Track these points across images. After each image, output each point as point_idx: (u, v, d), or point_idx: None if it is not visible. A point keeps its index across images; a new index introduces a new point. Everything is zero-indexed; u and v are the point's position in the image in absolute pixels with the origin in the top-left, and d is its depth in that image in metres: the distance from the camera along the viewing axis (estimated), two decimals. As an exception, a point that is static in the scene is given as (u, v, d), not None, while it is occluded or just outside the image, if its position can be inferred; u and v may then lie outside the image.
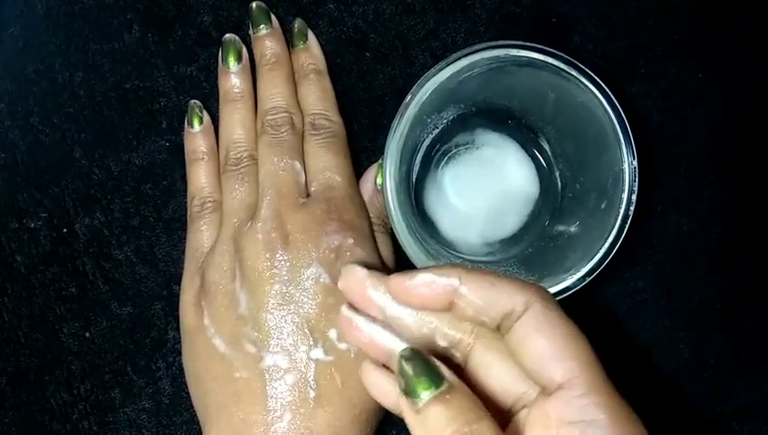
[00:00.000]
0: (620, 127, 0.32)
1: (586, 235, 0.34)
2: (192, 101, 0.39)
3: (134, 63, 0.40)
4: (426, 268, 0.25)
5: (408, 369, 0.23)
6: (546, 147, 0.38)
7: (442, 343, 0.27)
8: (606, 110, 0.32)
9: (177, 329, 0.37)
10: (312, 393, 0.32)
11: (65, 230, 0.39)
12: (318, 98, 0.38)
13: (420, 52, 0.40)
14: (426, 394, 0.23)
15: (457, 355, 0.27)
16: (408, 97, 0.33)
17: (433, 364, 0.23)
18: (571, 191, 0.37)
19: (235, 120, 0.37)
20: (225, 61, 0.38)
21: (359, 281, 0.27)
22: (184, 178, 0.39)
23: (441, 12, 0.40)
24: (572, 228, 0.36)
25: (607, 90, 0.32)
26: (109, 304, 0.39)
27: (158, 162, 0.39)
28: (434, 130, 0.38)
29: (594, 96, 0.32)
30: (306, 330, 0.33)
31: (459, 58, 0.32)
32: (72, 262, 0.39)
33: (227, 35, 0.38)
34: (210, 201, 0.37)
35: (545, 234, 0.37)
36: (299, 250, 0.33)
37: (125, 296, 0.39)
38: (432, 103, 0.33)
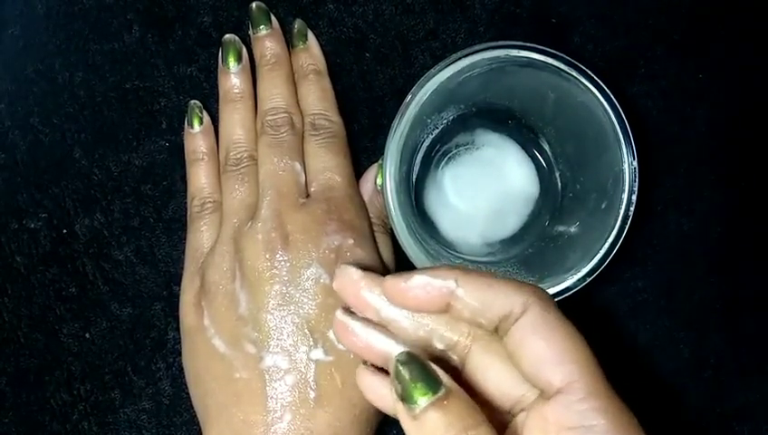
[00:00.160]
0: (620, 127, 0.32)
1: (586, 235, 0.34)
2: (192, 101, 0.39)
3: (134, 64, 0.40)
4: (422, 270, 0.25)
5: (405, 373, 0.23)
6: (546, 147, 0.38)
7: (439, 345, 0.26)
8: (606, 110, 0.32)
9: (177, 329, 0.37)
10: (312, 394, 0.32)
11: (65, 231, 0.39)
12: (318, 98, 0.38)
13: (420, 52, 0.40)
14: (423, 400, 0.22)
15: (454, 358, 0.26)
16: (409, 97, 0.33)
17: (430, 369, 0.23)
18: (571, 191, 0.37)
19: (235, 121, 0.37)
20: (224, 61, 0.38)
21: (353, 282, 0.27)
22: (184, 179, 0.39)
23: (441, 12, 0.40)
24: (572, 229, 0.36)
25: (607, 90, 0.32)
26: (109, 305, 0.39)
27: (157, 163, 0.39)
28: (434, 130, 0.38)
29: (594, 96, 0.32)
30: (306, 330, 0.33)
31: (459, 58, 0.32)
32: (72, 262, 0.39)
33: (227, 36, 0.38)
34: (210, 201, 0.37)
35: (545, 234, 0.37)
36: (299, 250, 0.33)
37: (125, 297, 0.39)
38: (432, 103, 0.33)
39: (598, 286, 0.36)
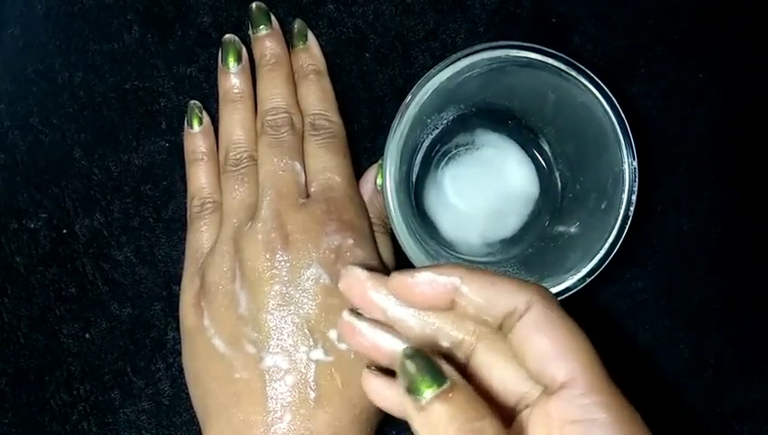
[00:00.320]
0: (620, 127, 0.32)
1: (586, 235, 0.34)
2: (192, 101, 0.39)
3: (134, 64, 0.40)
4: (427, 267, 0.25)
5: (411, 367, 0.23)
6: (546, 147, 0.38)
7: (444, 343, 0.27)
8: (606, 110, 0.32)
9: (177, 330, 0.37)
10: (313, 394, 0.32)
11: (65, 231, 0.39)
12: (318, 98, 0.38)
13: (420, 52, 0.40)
14: (429, 392, 0.23)
15: (460, 356, 0.27)
16: (408, 97, 0.33)
17: (435, 362, 0.23)
18: (571, 192, 0.37)
19: (235, 121, 0.37)
20: (224, 61, 0.38)
21: (359, 282, 0.27)
22: (184, 179, 0.39)
23: (441, 12, 0.40)
24: (572, 229, 0.36)
25: (607, 90, 0.32)
26: (108, 305, 0.39)
27: (157, 163, 0.39)
28: (434, 130, 0.38)
29: (594, 96, 0.32)
30: (306, 330, 0.33)
31: (459, 58, 0.32)
32: (72, 263, 0.39)
33: (227, 36, 0.38)
34: (210, 202, 0.37)
35: (545, 234, 0.37)
36: (299, 250, 0.33)
37: (125, 297, 0.39)
38: (432, 104, 0.33)
39: (598, 286, 0.36)
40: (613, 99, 0.32)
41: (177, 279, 0.37)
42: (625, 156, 0.32)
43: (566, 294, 0.33)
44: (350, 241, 0.34)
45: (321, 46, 0.39)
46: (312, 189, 0.36)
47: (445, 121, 0.38)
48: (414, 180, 0.38)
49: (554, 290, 0.33)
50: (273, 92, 0.37)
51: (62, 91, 0.39)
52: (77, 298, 0.39)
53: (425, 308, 0.26)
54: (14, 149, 0.39)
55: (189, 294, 0.35)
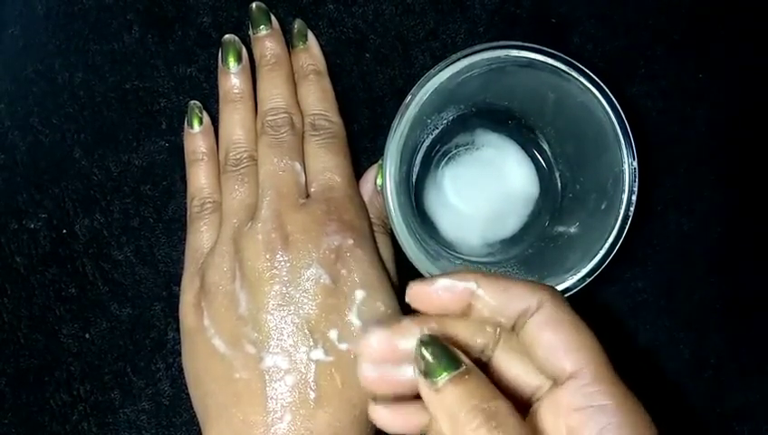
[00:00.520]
0: (620, 127, 0.32)
1: (586, 235, 0.34)
2: (192, 101, 0.39)
3: (134, 64, 0.40)
4: (442, 274, 0.26)
5: (427, 353, 0.24)
6: (546, 147, 0.38)
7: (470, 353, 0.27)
8: (606, 110, 0.32)
9: (177, 330, 0.37)
10: (312, 394, 0.32)
11: (65, 231, 0.39)
12: (318, 98, 0.38)
13: (420, 52, 0.40)
14: (444, 375, 0.24)
15: (482, 358, 0.27)
16: (408, 97, 0.33)
17: (451, 349, 0.25)
18: (571, 192, 0.37)
19: (235, 121, 0.37)
20: (224, 61, 0.38)
21: (386, 340, 0.26)
22: (184, 179, 0.39)
23: (441, 12, 0.40)
24: (572, 229, 0.36)
25: (607, 90, 0.32)
26: (108, 305, 0.39)
27: (157, 163, 0.39)
28: (434, 130, 0.38)
29: (594, 96, 0.32)
30: (306, 331, 0.33)
31: (459, 59, 0.32)
32: (72, 263, 0.39)
33: (227, 36, 0.38)
34: (210, 202, 0.37)
35: (545, 234, 0.37)
36: (299, 251, 0.33)
37: (125, 297, 0.39)
38: (432, 104, 0.33)
39: (598, 286, 0.36)
40: (613, 99, 0.32)
41: (177, 279, 0.37)
42: (625, 156, 0.32)
43: (566, 295, 0.33)
44: (351, 241, 0.34)
45: (321, 46, 0.39)
46: (312, 190, 0.36)
47: (445, 121, 0.38)
48: (414, 180, 0.38)
49: (554, 290, 0.33)
50: (274, 93, 0.37)
51: (62, 91, 0.39)
52: (77, 298, 0.39)
53: (441, 313, 0.26)
54: (14, 150, 0.39)
55: (189, 294, 0.35)
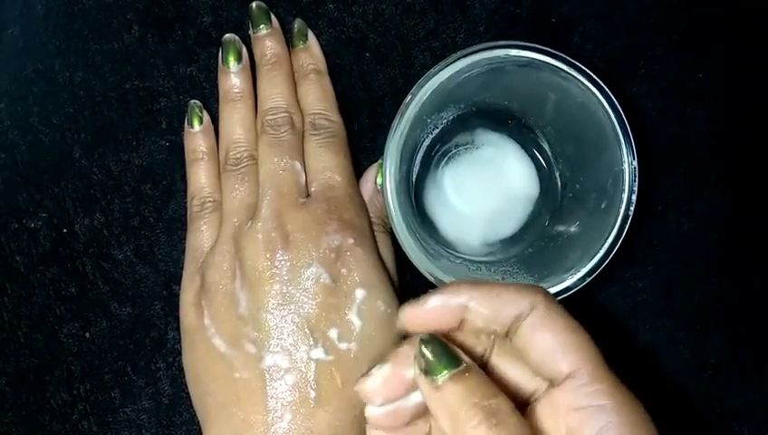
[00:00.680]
0: (620, 127, 0.32)
1: (586, 235, 0.34)
2: (192, 101, 0.39)
3: (134, 63, 0.40)
4: (432, 292, 0.26)
5: (428, 351, 0.25)
6: (546, 147, 0.38)
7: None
8: (606, 110, 0.32)
9: (177, 329, 0.37)
10: (313, 393, 0.32)
11: (65, 230, 0.39)
12: (318, 98, 0.38)
13: (420, 52, 0.40)
14: (444, 373, 0.24)
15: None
16: (408, 97, 0.33)
17: (451, 347, 0.25)
18: (570, 191, 0.37)
19: (235, 120, 0.37)
20: (225, 61, 0.38)
21: (394, 376, 0.26)
22: (184, 178, 0.39)
23: (441, 12, 0.40)
24: (572, 228, 0.36)
25: (607, 90, 0.32)
26: (108, 305, 0.39)
27: (157, 162, 0.39)
28: (434, 130, 0.38)
29: (594, 96, 0.32)
30: (306, 330, 0.33)
31: (459, 58, 0.32)
32: (72, 262, 0.39)
33: (227, 35, 0.38)
34: (210, 201, 0.37)
35: (545, 234, 0.37)
36: (299, 250, 0.33)
37: (125, 297, 0.39)
38: (432, 103, 0.33)
39: (598, 286, 0.37)
40: (613, 99, 0.32)
41: (177, 279, 0.37)
42: (625, 156, 0.32)
43: (566, 294, 0.33)
44: (351, 241, 0.34)
45: (321, 46, 0.39)
46: (313, 189, 0.36)
47: (444, 121, 0.38)
48: (414, 180, 0.38)
49: (554, 289, 0.33)
50: (274, 92, 0.37)
51: (62, 91, 0.39)
52: (77, 298, 0.39)
53: (435, 331, 0.26)
54: (14, 149, 0.39)
55: (189, 293, 0.35)
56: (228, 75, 0.38)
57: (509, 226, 0.38)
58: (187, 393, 0.35)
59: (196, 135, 0.38)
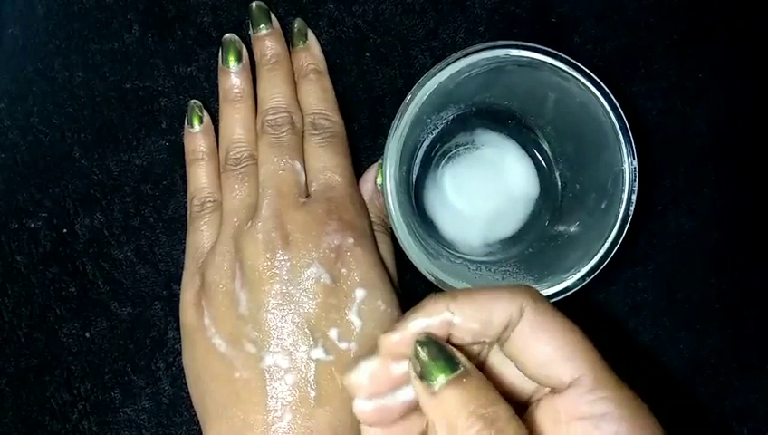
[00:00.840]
0: (620, 127, 0.32)
1: (586, 235, 0.34)
2: (192, 100, 0.39)
3: (134, 63, 0.40)
4: (410, 313, 0.25)
5: (424, 354, 0.23)
6: (546, 147, 0.38)
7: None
8: (606, 110, 0.32)
9: (177, 329, 0.37)
10: (313, 393, 0.32)
11: (65, 230, 0.39)
12: (318, 98, 0.38)
13: (420, 52, 0.40)
14: (441, 377, 0.23)
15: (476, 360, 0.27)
16: (408, 97, 0.33)
17: (449, 349, 0.23)
18: (571, 191, 0.37)
19: (236, 120, 0.37)
20: (225, 61, 0.38)
21: (381, 369, 0.25)
22: (184, 178, 0.39)
23: (441, 12, 0.40)
24: (572, 228, 0.36)
25: (607, 90, 0.32)
26: (109, 305, 0.39)
27: (158, 162, 0.39)
28: (434, 130, 0.38)
29: (594, 96, 0.32)
30: (306, 330, 0.33)
31: (459, 58, 0.32)
32: (72, 262, 0.39)
33: (227, 35, 0.38)
34: (210, 201, 0.37)
35: (545, 234, 0.37)
36: (299, 250, 0.33)
37: (125, 296, 0.39)
38: (432, 103, 0.33)
39: (598, 286, 0.37)
40: (613, 99, 0.32)
41: (177, 279, 0.37)
42: (625, 156, 0.32)
43: (566, 294, 0.33)
44: (351, 241, 0.34)
45: (322, 46, 0.39)
46: (313, 189, 0.36)
47: (444, 121, 0.38)
48: (414, 180, 0.38)
49: (554, 290, 0.33)
50: (274, 92, 0.37)
51: (62, 90, 0.39)
52: (77, 298, 0.39)
53: None
54: (14, 149, 0.39)
55: (189, 293, 0.35)
56: (228, 75, 0.38)
57: (509, 226, 0.38)
58: (187, 393, 0.35)
59: (196, 135, 0.38)
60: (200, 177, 0.37)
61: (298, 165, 0.36)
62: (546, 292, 0.33)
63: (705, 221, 0.41)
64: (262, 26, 0.38)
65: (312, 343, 0.32)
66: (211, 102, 0.39)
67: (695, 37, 0.41)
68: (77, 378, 0.38)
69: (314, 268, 0.33)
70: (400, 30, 0.40)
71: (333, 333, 0.33)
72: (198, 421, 0.35)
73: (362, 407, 0.25)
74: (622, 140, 0.32)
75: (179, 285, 0.36)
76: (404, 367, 0.24)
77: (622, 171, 0.33)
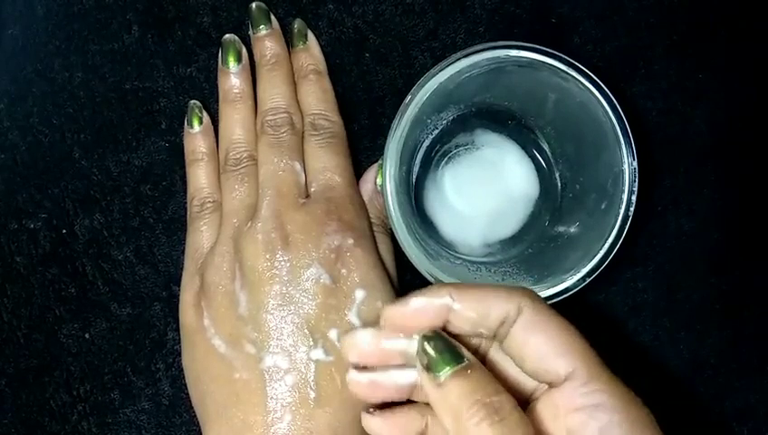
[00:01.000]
0: (620, 127, 0.32)
1: (586, 235, 0.34)
2: (192, 101, 0.39)
3: (134, 64, 0.40)
4: (416, 293, 0.26)
5: (430, 348, 0.25)
6: (546, 147, 0.38)
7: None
8: (606, 110, 0.32)
9: (177, 330, 0.37)
10: (313, 394, 0.32)
11: (65, 231, 0.39)
12: (318, 98, 0.38)
13: (420, 52, 0.40)
14: (447, 369, 0.24)
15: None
16: (408, 97, 0.33)
17: (454, 344, 0.25)
18: (570, 192, 0.37)
19: (235, 121, 0.37)
20: (224, 61, 0.38)
21: (371, 339, 0.26)
22: (184, 179, 0.39)
23: (441, 12, 0.40)
24: (572, 229, 0.36)
25: (606, 90, 0.32)
26: (108, 305, 0.39)
27: (157, 163, 0.39)
28: (434, 130, 0.38)
29: (594, 96, 0.33)
30: (306, 330, 0.33)
31: (459, 58, 0.32)
32: (72, 263, 0.39)
33: (227, 36, 0.38)
34: (210, 202, 0.37)
35: (545, 234, 0.37)
36: (299, 250, 0.33)
37: (124, 297, 0.39)
38: (432, 104, 0.33)
39: (598, 286, 0.36)
40: (613, 99, 0.32)
41: (177, 279, 0.37)
42: (625, 156, 0.32)
43: (566, 294, 0.33)
44: (350, 241, 0.34)
45: (321, 46, 0.39)
46: (312, 189, 0.36)
47: (444, 121, 0.38)
48: (414, 180, 0.38)
49: (554, 290, 0.33)
50: (273, 92, 0.37)
51: (62, 91, 0.39)
52: (77, 298, 0.39)
53: (418, 332, 0.26)
54: (14, 150, 0.39)
55: (189, 294, 0.35)
56: (228, 76, 0.38)
57: (509, 226, 0.38)
58: (187, 394, 0.35)
59: (196, 136, 0.38)
60: (200, 177, 0.37)
61: (298, 165, 0.36)
62: (546, 292, 0.33)
63: (705, 221, 0.41)
64: (261, 27, 0.38)
65: (311, 343, 0.32)
66: (211, 103, 0.39)
67: (695, 37, 0.41)
68: (76, 379, 0.38)
69: (314, 269, 0.33)
70: (400, 30, 0.40)
71: (333, 334, 0.33)
72: (198, 422, 0.35)
73: (355, 378, 0.27)
74: (622, 141, 0.32)
75: (179, 285, 0.36)
76: (398, 344, 0.26)
77: (622, 172, 0.33)
